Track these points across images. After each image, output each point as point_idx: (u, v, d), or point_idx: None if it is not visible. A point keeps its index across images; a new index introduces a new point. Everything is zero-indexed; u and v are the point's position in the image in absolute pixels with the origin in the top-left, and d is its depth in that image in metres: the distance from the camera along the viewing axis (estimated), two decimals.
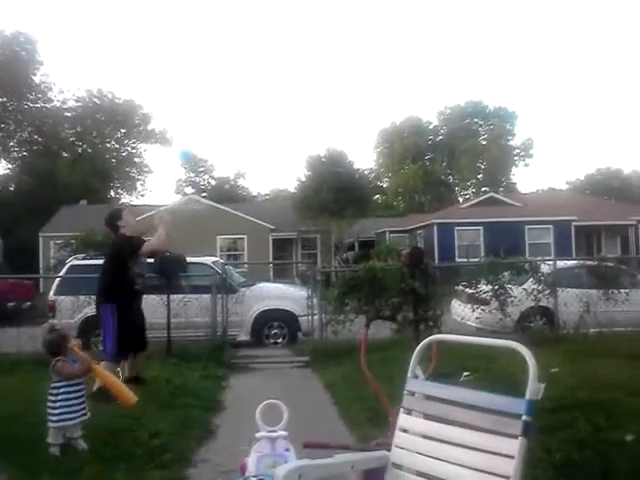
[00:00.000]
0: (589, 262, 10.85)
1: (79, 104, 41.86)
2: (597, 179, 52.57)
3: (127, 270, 6.08)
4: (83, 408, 4.32)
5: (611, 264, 10.04)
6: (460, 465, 2.25)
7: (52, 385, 4.33)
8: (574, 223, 25.31)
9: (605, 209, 28.49)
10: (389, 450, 2.48)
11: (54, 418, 4.23)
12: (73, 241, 22.27)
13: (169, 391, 6.11)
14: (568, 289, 9.25)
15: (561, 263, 10.36)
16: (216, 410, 5.85)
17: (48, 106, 40.10)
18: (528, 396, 2.13)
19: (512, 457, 2.10)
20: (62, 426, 4.26)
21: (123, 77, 74.96)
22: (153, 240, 6.29)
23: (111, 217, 6.35)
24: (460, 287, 9.85)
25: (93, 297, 9.12)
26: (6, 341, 8.56)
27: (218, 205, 28.51)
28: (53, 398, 4.29)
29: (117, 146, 44.76)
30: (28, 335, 7.90)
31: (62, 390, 4.30)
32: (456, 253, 24.18)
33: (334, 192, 27.08)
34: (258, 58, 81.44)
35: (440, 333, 6.99)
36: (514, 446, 2.10)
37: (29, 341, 7.76)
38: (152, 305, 8.65)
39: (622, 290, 9.13)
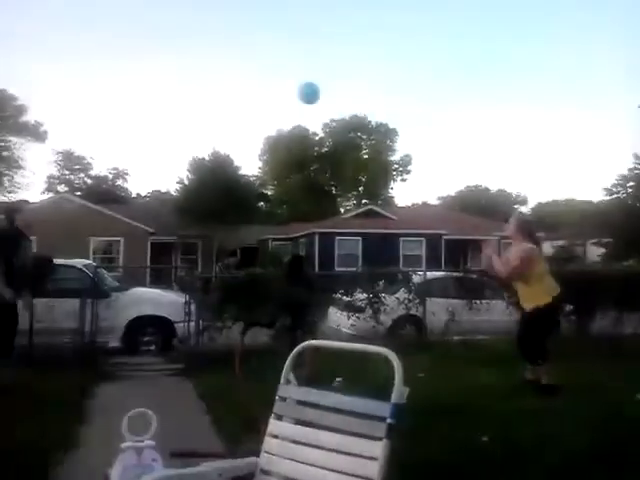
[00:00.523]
0: (456, 274, 11.54)
1: None
2: (466, 196, 56.30)
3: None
4: None
5: (475, 276, 10.74)
6: (327, 469, 2.29)
7: None
8: (444, 237, 26.91)
9: (472, 224, 30.53)
10: (258, 456, 2.47)
11: None
12: None
13: (29, 400, 5.69)
14: (436, 299, 9.79)
15: (430, 274, 10.96)
16: (80, 421, 5.53)
17: None
18: (393, 399, 2.20)
19: (376, 459, 2.16)
20: None
21: None
22: None
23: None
24: (337, 295, 10.08)
25: None
26: None
27: (93, 205, 27.15)
28: None
29: None
30: None
31: None
32: (335, 262, 24.78)
33: (218, 197, 26.75)
34: (143, 51, 78.80)
35: (315, 340, 7.09)
36: (378, 448, 2.17)
37: None
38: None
39: (485, 300, 9.79)
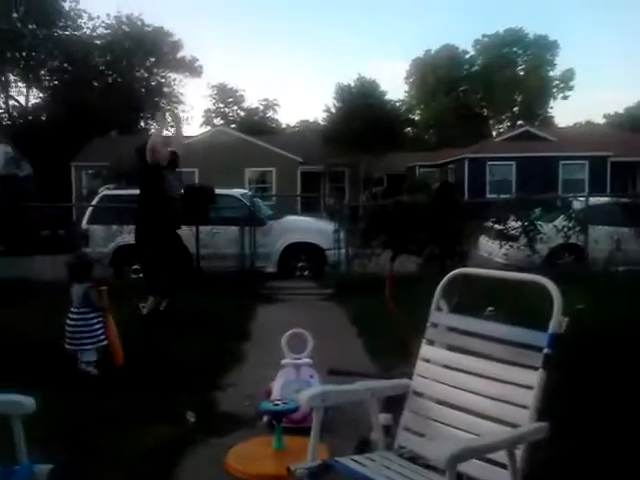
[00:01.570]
0: (622, 199, 10.59)
1: (109, 32, 41.26)
2: (637, 112, 50.56)
3: (161, 186, 6.00)
4: (103, 333, 4.53)
5: None
6: (480, 395, 2.29)
7: (83, 310, 4.50)
8: (610, 159, 24.59)
9: None
10: (411, 378, 2.54)
11: (94, 339, 4.45)
12: (104, 171, 22.54)
13: (198, 320, 6.29)
14: (600, 226, 9.09)
15: (593, 200, 10.14)
16: (243, 338, 6.02)
17: (78, 34, 39.63)
18: (551, 329, 2.13)
19: (531, 388, 2.12)
20: (99, 347, 4.50)
21: (152, 3, 73.21)
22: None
23: (139, 147, 6.29)
24: (489, 223, 9.76)
25: (125, 226, 9.40)
26: (42, 269, 8.84)
27: (247, 137, 28.32)
28: (91, 321, 4.49)
29: (146, 75, 44.33)
30: (63, 263, 8.13)
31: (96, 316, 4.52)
32: (487, 189, 23.83)
33: (365, 125, 26.60)
34: None
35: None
36: (534, 377, 2.13)
37: (64, 268, 7.98)
38: (182, 236, 8.82)
39: None
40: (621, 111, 53.81)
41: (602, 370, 4.14)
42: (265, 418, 3.63)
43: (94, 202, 10.70)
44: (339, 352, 5.23)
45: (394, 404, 2.69)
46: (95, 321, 4.53)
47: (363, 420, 2.96)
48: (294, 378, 3.75)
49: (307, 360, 3.84)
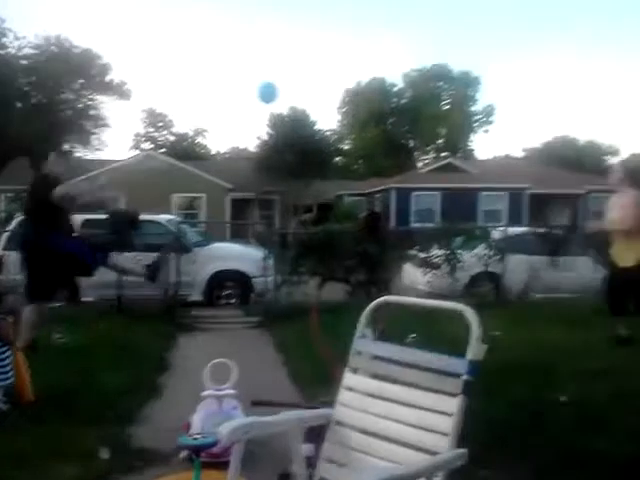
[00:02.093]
0: (539, 230, 11.13)
1: (35, 52, 39.94)
2: (553, 147, 53.59)
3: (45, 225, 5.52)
4: (12, 369, 4.28)
5: (559, 232, 10.33)
6: (401, 422, 2.29)
7: None
8: (528, 191, 25.87)
9: (559, 178, 29.15)
10: (333, 408, 2.51)
11: (4, 376, 4.17)
12: (24, 195, 21.54)
13: (116, 350, 6.05)
14: (517, 255, 9.49)
15: (511, 230, 10.61)
16: (163, 369, 5.83)
17: (2, 52, 38.14)
18: (470, 356, 2.17)
19: (451, 415, 2.14)
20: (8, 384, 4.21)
21: (81, 24, 71.57)
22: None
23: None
24: (413, 251, 9.99)
25: None
26: None
27: (175, 162, 27.94)
28: (1, 357, 4.21)
29: (73, 97, 43.09)
30: None
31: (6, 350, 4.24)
32: (412, 218, 24.48)
33: (295, 153, 26.87)
34: (220, 10, 79.07)
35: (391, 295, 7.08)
36: (453, 404, 2.15)
37: None
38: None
39: (569, 257, 9.42)
40: (538, 146, 56.98)
41: (519, 396, 4.26)
42: (184, 453, 3.50)
43: (11, 227, 10.18)
44: (264, 382, 5.15)
45: (316, 435, 2.66)
46: (5, 356, 4.24)
47: (284, 452, 2.91)
48: (216, 410, 3.65)
49: (230, 391, 3.75)
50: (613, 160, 55.51)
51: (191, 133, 53.03)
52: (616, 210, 5.57)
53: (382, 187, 27.43)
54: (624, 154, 60.62)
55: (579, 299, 7.94)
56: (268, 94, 5.57)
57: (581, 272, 9.09)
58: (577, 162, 44.18)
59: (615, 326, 5.67)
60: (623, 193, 5.60)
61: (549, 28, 74.55)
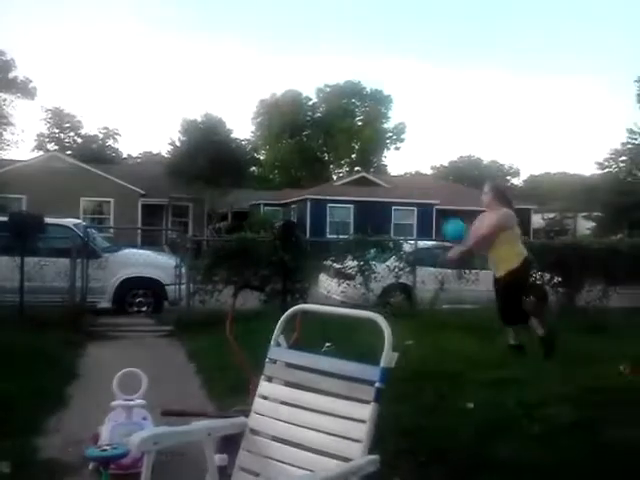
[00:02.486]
0: (446, 243, 11.56)
1: None
2: (459, 166, 56.14)
3: None
4: None
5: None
6: (315, 430, 2.32)
7: None
8: (436, 206, 26.91)
9: (465, 195, 30.52)
10: (247, 417, 2.51)
11: None
12: None
13: (19, 357, 5.72)
14: (426, 268, 9.84)
15: (421, 243, 11.00)
16: (70, 379, 5.58)
17: None
18: (382, 364, 2.23)
19: (364, 422, 2.19)
20: None
21: None
22: None
23: None
24: (328, 262, 10.12)
25: None
26: None
27: (83, 165, 26.80)
28: None
29: None
30: None
31: None
32: (327, 229, 24.79)
33: (210, 160, 26.50)
34: (136, 11, 77.00)
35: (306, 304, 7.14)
36: (366, 411, 2.19)
37: None
38: (4, 267, 8.08)
39: (474, 270, 9.86)
40: (446, 164, 59.46)
41: (430, 402, 4.42)
42: (92, 465, 3.37)
43: None
44: (176, 392, 5.05)
45: (231, 444, 2.64)
46: None
47: (197, 463, 2.87)
48: (125, 420, 3.54)
49: (140, 401, 3.64)
50: (514, 180, 58.96)
51: (101, 135, 51.14)
52: (478, 228, 5.94)
53: (298, 198, 27.63)
54: (524, 174, 64.52)
55: (483, 310, 8.32)
56: (456, 231, 6.03)
57: (484, 285, 9.54)
58: (482, 180, 46.38)
59: (508, 335, 6.01)
60: (489, 212, 5.98)
61: (458, 52, 78.24)
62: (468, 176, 49.29)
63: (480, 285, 9.60)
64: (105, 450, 3.07)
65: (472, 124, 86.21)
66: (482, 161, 58.48)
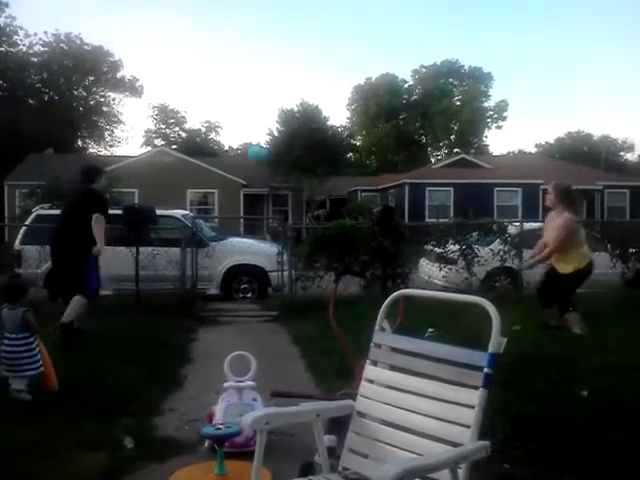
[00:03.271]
0: None
1: (46, 49, 40.25)
2: (567, 143, 53.15)
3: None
4: (41, 358, 4.35)
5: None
6: (422, 414, 2.31)
7: (22, 335, 4.31)
8: (542, 186, 25.69)
9: (573, 173, 28.92)
10: (354, 400, 2.54)
11: (35, 365, 4.25)
12: (39, 190, 21.79)
13: (137, 342, 6.12)
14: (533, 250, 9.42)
15: (527, 225, 10.54)
16: (184, 361, 5.90)
17: (13, 50, 38.47)
18: (490, 349, 2.18)
19: (473, 407, 2.16)
20: (36, 374, 4.31)
21: (92, 22, 72.13)
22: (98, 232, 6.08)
23: (90, 171, 6.38)
24: (429, 246, 9.97)
25: None
26: None
27: (189, 158, 28.03)
28: (32, 346, 4.29)
29: (85, 94, 43.40)
30: None
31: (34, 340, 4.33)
32: (426, 213, 24.40)
33: (307, 149, 26.85)
34: (234, 7, 79.11)
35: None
36: (475, 397, 2.16)
37: None
38: (120, 257, 8.61)
39: None
40: (552, 141, 56.51)
41: (538, 389, 4.27)
42: (207, 443, 3.55)
43: (28, 221, 10.31)
44: (282, 374, 5.20)
45: (338, 426, 2.69)
46: (35, 345, 4.34)
47: (306, 443, 2.95)
48: (237, 401, 3.70)
49: (250, 383, 3.79)
50: (627, 155, 55.04)
51: (203, 129, 53.19)
52: (549, 230, 6.19)
53: (396, 182, 27.35)
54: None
55: (593, 294, 7.89)
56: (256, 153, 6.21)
57: (598, 268, 9.02)
58: (592, 157, 43.80)
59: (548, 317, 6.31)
60: (555, 213, 6.17)
61: (562, 23, 73.89)
62: (577, 153, 46.56)
63: (596, 268, 9.10)
64: (219, 429, 3.23)
65: (580, 97, 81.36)
66: (592, 136, 55.01)
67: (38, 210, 10.73)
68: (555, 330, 6.14)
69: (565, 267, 6.09)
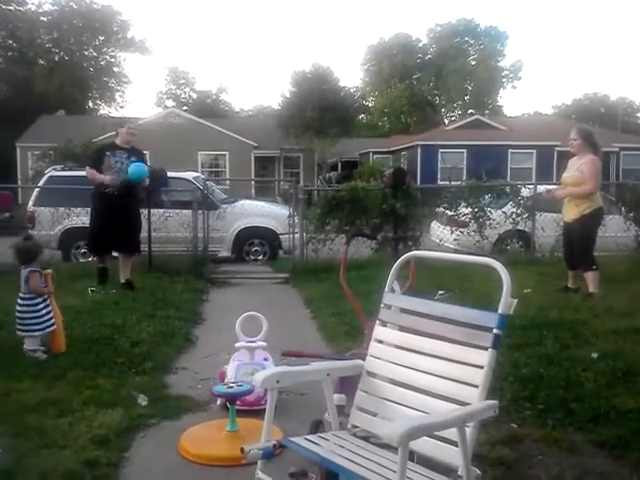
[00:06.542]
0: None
1: (55, 8, 39.76)
2: (584, 104, 52.10)
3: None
4: (51, 319, 4.42)
5: None
6: (431, 374, 2.33)
7: (28, 295, 4.38)
8: (557, 148, 25.30)
9: None
10: (364, 360, 2.56)
11: (41, 326, 4.32)
12: (51, 152, 21.82)
13: (150, 303, 6.20)
14: (547, 213, 9.33)
15: (541, 187, 10.39)
16: (196, 322, 5.97)
17: (22, 9, 38.04)
18: (500, 310, 2.17)
19: (481, 367, 2.16)
20: (45, 334, 4.39)
21: None
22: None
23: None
24: (440, 209, 9.90)
25: (73, 209, 9.15)
26: None
27: (200, 120, 27.84)
28: (37, 307, 4.35)
29: (95, 54, 42.98)
30: (7, 246, 7.85)
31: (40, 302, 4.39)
32: (439, 175, 24.19)
33: (319, 110, 26.59)
34: None
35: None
36: (484, 357, 2.17)
37: (9, 252, 7.71)
38: None
39: None
40: (568, 102, 55.42)
41: (548, 352, 4.29)
42: (219, 401, 3.62)
43: (41, 183, 10.36)
44: (293, 335, 5.26)
45: (347, 385, 2.72)
46: (42, 306, 4.40)
47: (316, 402, 2.99)
48: (248, 361, 3.75)
49: (261, 343, 3.84)
50: None
51: (214, 91, 52.68)
52: (572, 171, 6.28)
53: (408, 144, 27.06)
54: None
55: (608, 257, 7.83)
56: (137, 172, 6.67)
57: (611, 230, 8.92)
58: (609, 119, 42.94)
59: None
60: (578, 157, 6.28)
61: None
62: (594, 114, 45.67)
63: (607, 231, 9.01)
64: (231, 387, 3.29)
65: (598, 58, 79.39)
66: (609, 98, 53.83)
67: (51, 171, 10.76)
68: (571, 291, 6.22)
69: (573, 210, 6.12)
